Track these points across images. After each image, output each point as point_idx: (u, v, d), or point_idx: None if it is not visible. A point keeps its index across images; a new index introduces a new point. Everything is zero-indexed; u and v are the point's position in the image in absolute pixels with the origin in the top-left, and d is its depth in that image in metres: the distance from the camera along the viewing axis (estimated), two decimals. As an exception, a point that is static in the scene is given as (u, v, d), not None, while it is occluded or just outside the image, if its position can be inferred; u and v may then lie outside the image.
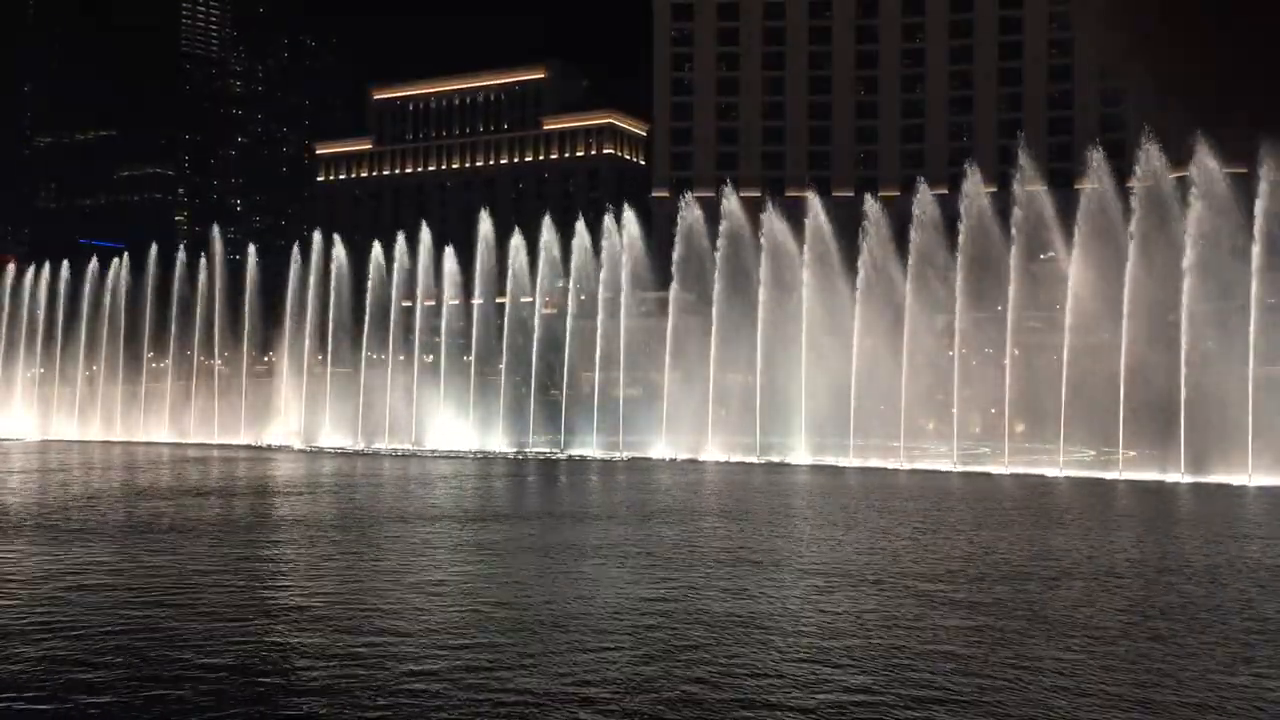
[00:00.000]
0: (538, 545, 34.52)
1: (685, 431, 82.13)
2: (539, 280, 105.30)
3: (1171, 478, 64.05)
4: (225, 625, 21.38)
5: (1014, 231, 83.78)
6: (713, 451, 76.35)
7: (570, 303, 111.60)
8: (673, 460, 74.38)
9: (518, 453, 78.85)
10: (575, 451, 79.13)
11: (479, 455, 78.46)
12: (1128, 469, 68.33)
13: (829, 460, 74.75)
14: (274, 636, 20.51)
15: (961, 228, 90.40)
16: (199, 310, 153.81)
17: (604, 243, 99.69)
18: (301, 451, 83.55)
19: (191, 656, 18.87)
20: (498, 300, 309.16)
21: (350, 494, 52.53)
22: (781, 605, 24.08)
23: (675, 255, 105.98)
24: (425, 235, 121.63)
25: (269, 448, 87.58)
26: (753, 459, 72.31)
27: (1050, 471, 67.97)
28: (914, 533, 39.09)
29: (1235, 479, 60.25)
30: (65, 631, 20.69)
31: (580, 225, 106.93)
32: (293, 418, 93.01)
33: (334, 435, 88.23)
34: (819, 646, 20.20)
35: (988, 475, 70.89)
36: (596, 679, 17.63)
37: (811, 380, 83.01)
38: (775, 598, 25.10)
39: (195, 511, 43.04)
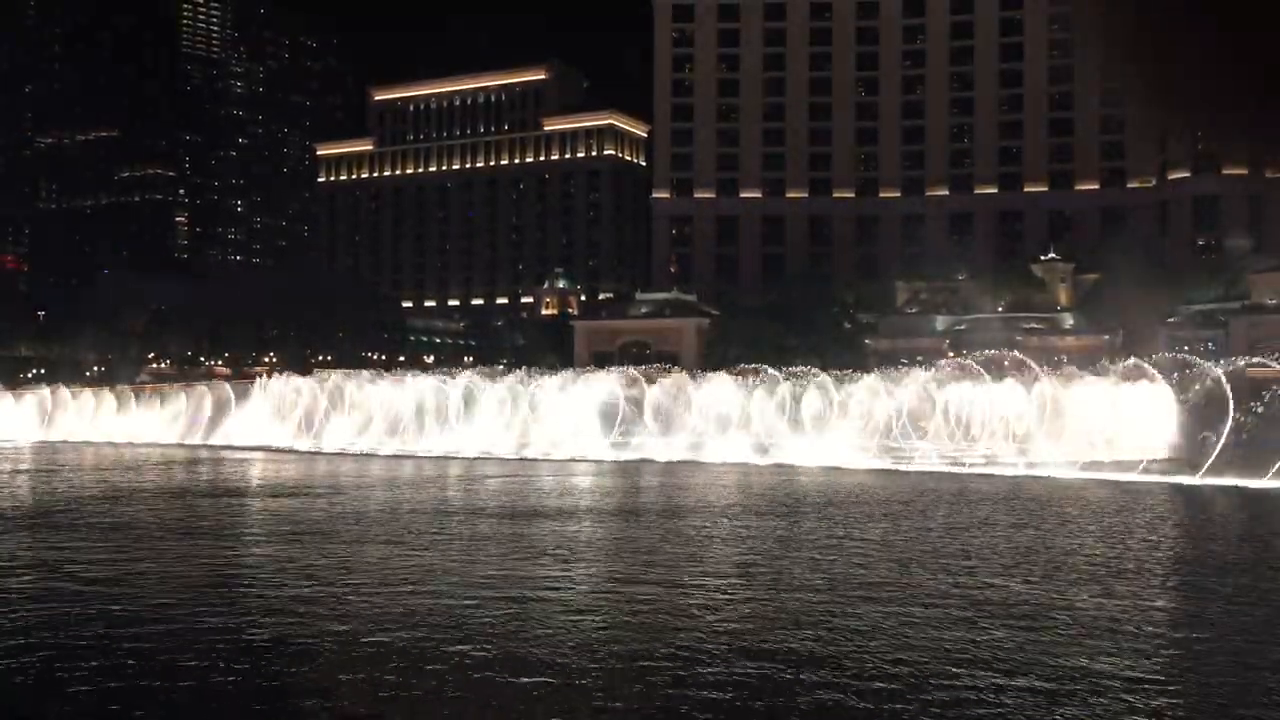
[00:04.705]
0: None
1: (688, 431, 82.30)
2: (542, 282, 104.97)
3: (1172, 480, 63.80)
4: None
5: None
6: (715, 452, 76.37)
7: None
8: (671, 462, 74.50)
9: (518, 454, 78.93)
10: (579, 452, 79.15)
11: (495, 457, 78.32)
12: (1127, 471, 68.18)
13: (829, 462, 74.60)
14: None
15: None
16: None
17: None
18: (307, 453, 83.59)
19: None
20: (498, 300, 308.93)
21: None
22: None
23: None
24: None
25: (276, 449, 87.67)
26: (756, 459, 72.26)
27: (1060, 473, 67.53)
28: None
29: (1247, 481, 59.48)
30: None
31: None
32: (298, 419, 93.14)
33: (335, 437, 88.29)
34: None
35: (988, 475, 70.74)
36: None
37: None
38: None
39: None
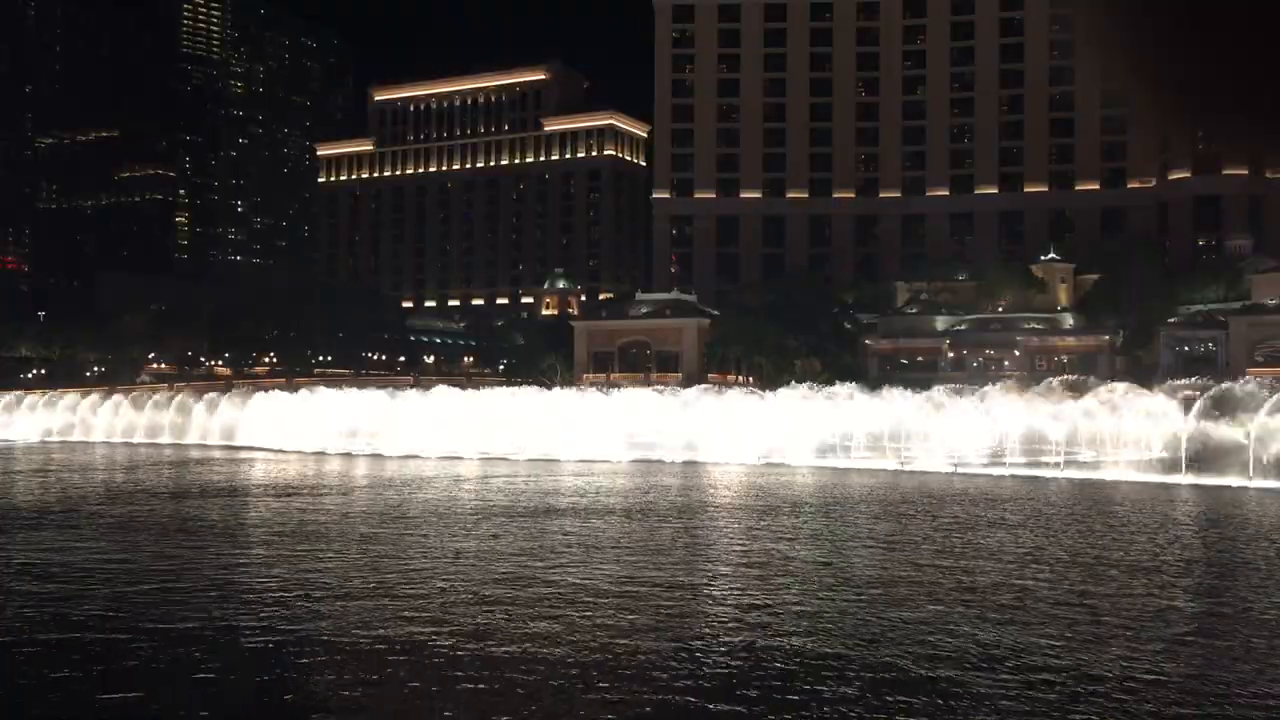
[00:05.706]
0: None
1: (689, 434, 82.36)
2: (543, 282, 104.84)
3: (1171, 479, 63.85)
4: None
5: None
6: (713, 453, 76.42)
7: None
8: (670, 462, 74.61)
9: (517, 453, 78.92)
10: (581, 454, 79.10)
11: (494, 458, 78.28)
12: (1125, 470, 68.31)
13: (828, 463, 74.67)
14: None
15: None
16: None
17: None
18: (314, 454, 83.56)
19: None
20: (498, 300, 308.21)
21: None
22: None
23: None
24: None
25: (281, 450, 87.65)
26: (752, 460, 72.32)
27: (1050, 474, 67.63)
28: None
29: (1234, 481, 59.60)
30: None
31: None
32: (300, 420, 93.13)
33: (339, 438, 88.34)
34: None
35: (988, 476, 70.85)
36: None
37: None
38: None
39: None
